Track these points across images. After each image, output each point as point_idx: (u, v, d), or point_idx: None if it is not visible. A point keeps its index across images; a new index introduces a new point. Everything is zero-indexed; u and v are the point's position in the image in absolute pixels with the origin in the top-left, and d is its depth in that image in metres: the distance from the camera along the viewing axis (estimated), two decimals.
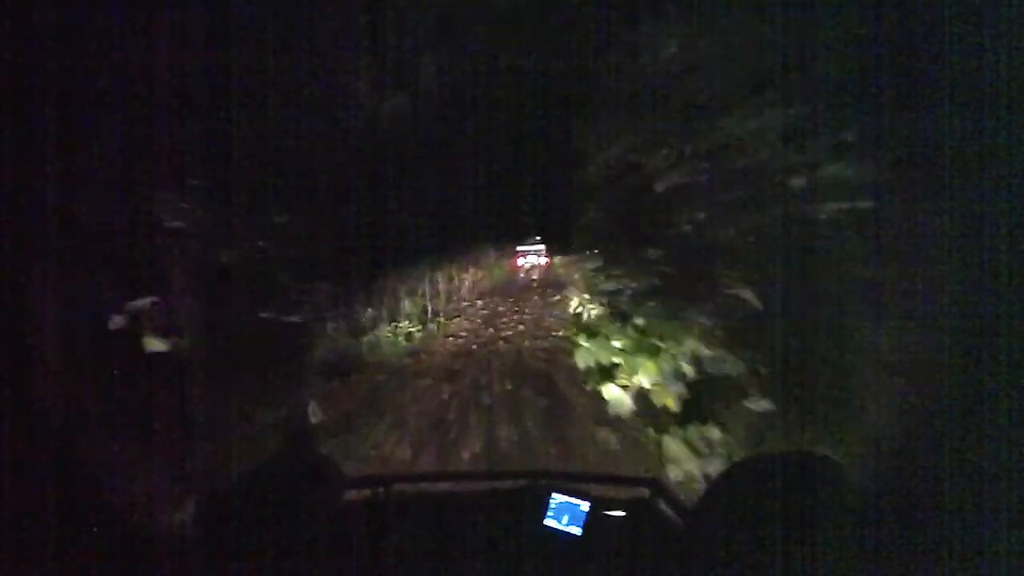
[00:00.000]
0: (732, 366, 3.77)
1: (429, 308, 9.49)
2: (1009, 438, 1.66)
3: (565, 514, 1.51)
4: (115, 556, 1.94)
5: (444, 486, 1.75)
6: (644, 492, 1.57)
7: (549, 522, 1.51)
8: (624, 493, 1.62)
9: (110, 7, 3.02)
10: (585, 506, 1.51)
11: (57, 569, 1.76)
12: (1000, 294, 1.85)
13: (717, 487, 1.17)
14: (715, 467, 3.71)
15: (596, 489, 1.61)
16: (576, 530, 1.48)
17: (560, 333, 8.29)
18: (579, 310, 7.35)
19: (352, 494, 1.58)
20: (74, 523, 1.98)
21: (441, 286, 10.14)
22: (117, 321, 3.20)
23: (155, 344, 3.36)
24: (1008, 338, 1.77)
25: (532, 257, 11.87)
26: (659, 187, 4.46)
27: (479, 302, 11.53)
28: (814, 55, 3.05)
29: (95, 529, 2.07)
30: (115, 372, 3.19)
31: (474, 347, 8.09)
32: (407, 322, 8.56)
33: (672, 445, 4.00)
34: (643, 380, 4.60)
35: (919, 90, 2.33)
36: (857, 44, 2.71)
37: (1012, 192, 1.85)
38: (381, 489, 1.59)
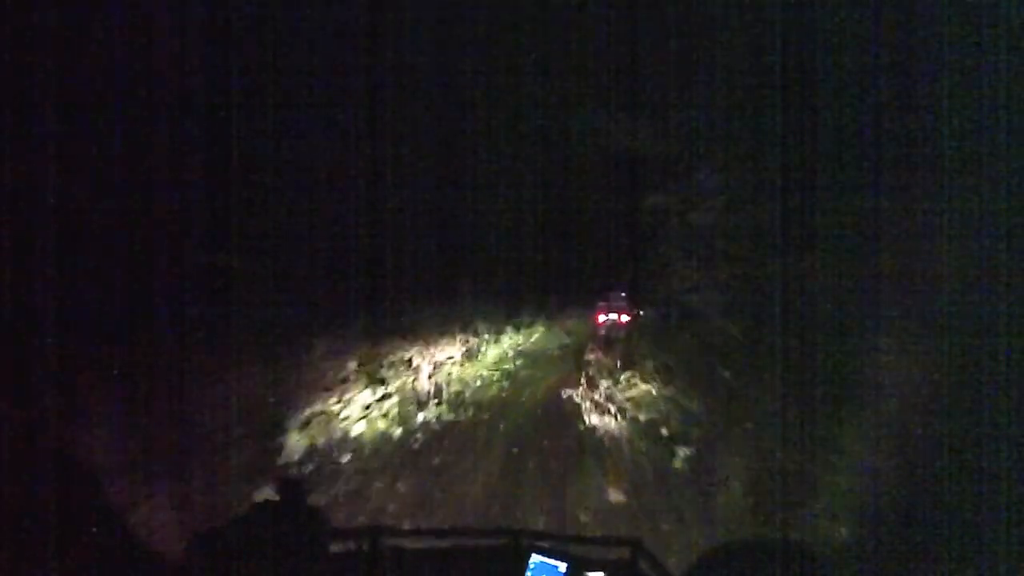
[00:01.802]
0: None
1: None
2: (1009, 438, 1.66)
3: (544, 575, 1.55)
4: (115, 556, 1.94)
5: (428, 541, 1.80)
6: (625, 553, 1.61)
7: None
8: (605, 554, 1.65)
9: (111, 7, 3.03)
10: (563, 567, 1.54)
11: (57, 569, 1.77)
12: (1000, 294, 1.85)
13: (710, 563, 1.23)
14: None
15: (578, 549, 1.65)
16: None
17: None
18: None
19: (338, 545, 1.64)
20: (74, 523, 1.98)
21: None
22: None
23: None
24: (1008, 338, 1.77)
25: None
26: None
27: None
28: None
29: (95, 529, 2.07)
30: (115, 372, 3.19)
31: None
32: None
33: None
34: None
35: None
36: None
37: (1010, 193, 1.85)
38: (367, 542, 1.64)
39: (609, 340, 8.42)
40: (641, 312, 8.23)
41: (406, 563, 1.63)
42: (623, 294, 9.08)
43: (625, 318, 8.84)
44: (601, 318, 9.16)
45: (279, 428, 5.05)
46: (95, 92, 3.06)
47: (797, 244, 3.52)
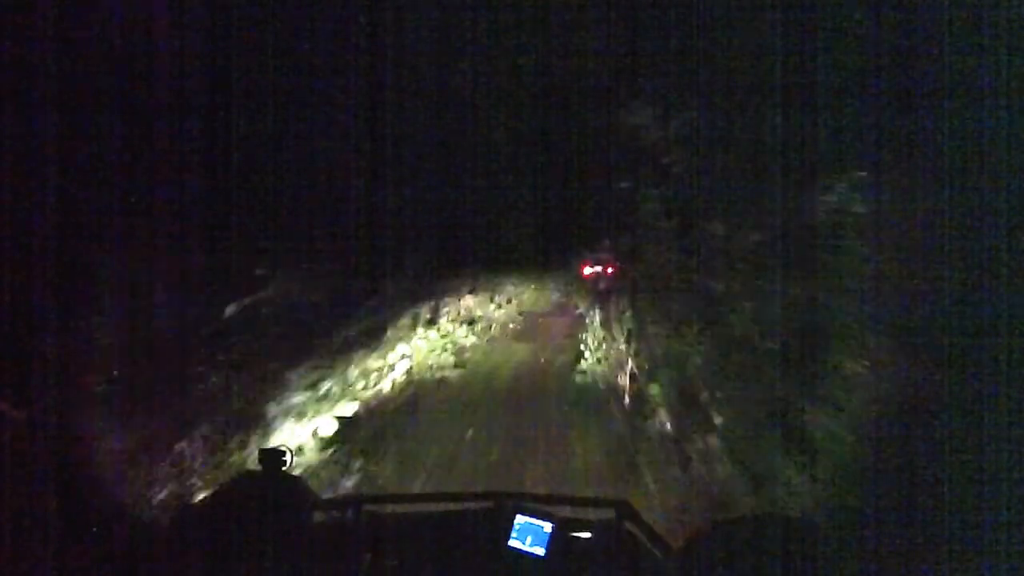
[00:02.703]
0: None
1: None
2: (1009, 438, 1.66)
3: (529, 535, 1.52)
4: (115, 556, 1.94)
5: (411, 507, 1.77)
6: (610, 513, 1.57)
7: (513, 543, 1.52)
8: (591, 514, 1.62)
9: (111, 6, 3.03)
10: (548, 527, 1.51)
11: (57, 569, 1.77)
12: (1000, 294, 1.86)
13: (708, 537, 1.21)
14: None
15: (563, 511, 1.62)
16: (540, 551, 1.49)
17: None
18: None
19: (323, 515, 1.61)
20: (74, 523, 1.98)
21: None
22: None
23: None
24: (1008, 338, 1.77)
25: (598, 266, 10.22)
26: None
27: None
28: None
29: (95, 529, 2.07)
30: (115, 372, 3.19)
31: None
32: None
33: None
34: None
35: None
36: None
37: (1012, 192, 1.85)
38: (351, 510, 1.61)
39: (597, 290, 9.60)
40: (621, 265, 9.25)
41: (390, 529, 1.60)
42: (606, 244, 9.96)
43: (610, 269, 9.84)
44: (587, 270, 10.30)
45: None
46: (96, 91, 3.06)
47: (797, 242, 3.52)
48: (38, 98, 2.54)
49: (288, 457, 1.57)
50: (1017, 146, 1.81)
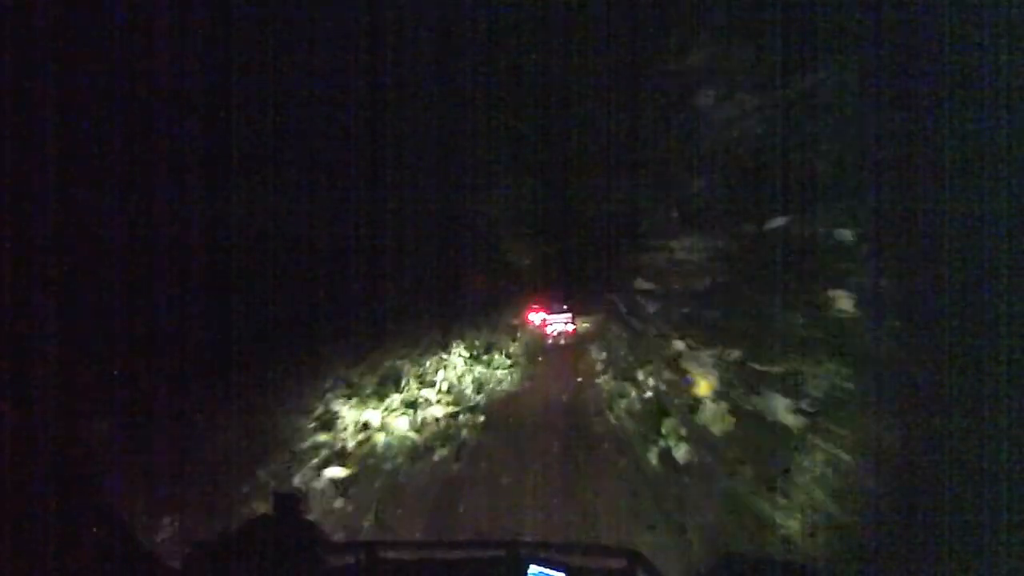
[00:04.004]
0: None
1: None
2: (1009, 438, 1.66)
3: None
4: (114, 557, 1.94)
5: (426, 553, 1.79)
6: (622, 562, 1.60)
7: None
8: (603, 563, 1.65)
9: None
10: None
11: (57, 569, 1.77)
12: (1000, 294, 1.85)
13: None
14: None
15: (576, 559, 1.65)
16: None
17: None
18: None
19: (336, 559, 1.64)
20: (74, 523, 1.98)
21: None
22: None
23: None
24: (1008, 339, 1.77)
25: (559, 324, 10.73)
26: None
27: None
28: None
29: (95, 529, 2.06)
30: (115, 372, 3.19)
31: None
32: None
33: None
34: None
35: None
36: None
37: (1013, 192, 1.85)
38: (364, 554, 1.64)
39: (557, 345, 10.21)
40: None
41: (401, 575, 1.63)
42: (564, 307, 10.71)
43: (571, 326, 10.61)
44: (548, 329, 10.78)
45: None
46: (96, 92, 3.06)
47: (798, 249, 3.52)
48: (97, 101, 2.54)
49: (301, 501, 1.60)
50: (1017, 146, 1.81)
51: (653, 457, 4.36)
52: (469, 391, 6.89)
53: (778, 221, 3.76)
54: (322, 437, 5.08)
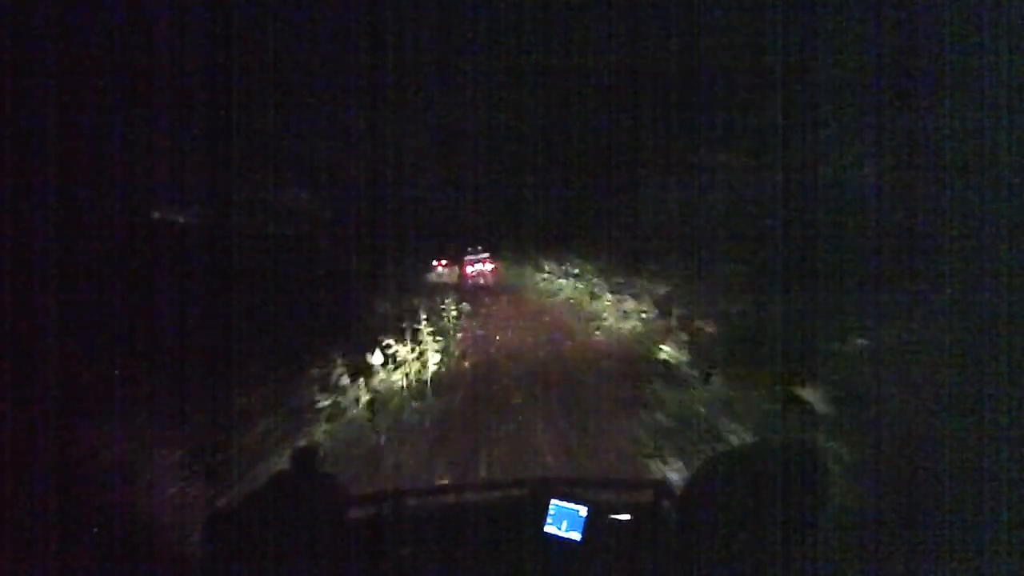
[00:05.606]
0: None
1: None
2: (1009, 438, 1.65)
3: (564, 520, 1.51)
4: (115, 556, 1.94)
5: (447, 498, 1.77)
6: (648, 495, 1.56)
7: (549, 528, 1.52)
8: (627, 497, 1.62)
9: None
10: (584, 511, 1.51)
11: (57, 569, 1.77)
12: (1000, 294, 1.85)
13: (706, 476, 1.16)
14: None
15: (599, 493, 1.61)
16: (576, 535, 1.49)
17: None
18: None
19: (356, 510, 1.60)
20: (74, 523, 1.98)
21: None
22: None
23: None
24: (1008, 339, 1.77)
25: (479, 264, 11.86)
26: None
27: None
28: None
29: (95, 529, 2.07)
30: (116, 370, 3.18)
31: None
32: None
33: None
34: None
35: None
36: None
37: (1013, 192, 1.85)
38: (385, 504, 1.61)
39: (477, 285, 11.33)
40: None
41: (427, 522, 1.59)
42: (480, 248, 11.99)
43: (490, 266, 12.00)
44: (469, 269, 11.96)
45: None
46: (96, 91, 3.06)
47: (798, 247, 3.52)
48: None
49: (320, 455, 1.56)
50: (1018, 146, 1.81)
51: None
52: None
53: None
54: None
